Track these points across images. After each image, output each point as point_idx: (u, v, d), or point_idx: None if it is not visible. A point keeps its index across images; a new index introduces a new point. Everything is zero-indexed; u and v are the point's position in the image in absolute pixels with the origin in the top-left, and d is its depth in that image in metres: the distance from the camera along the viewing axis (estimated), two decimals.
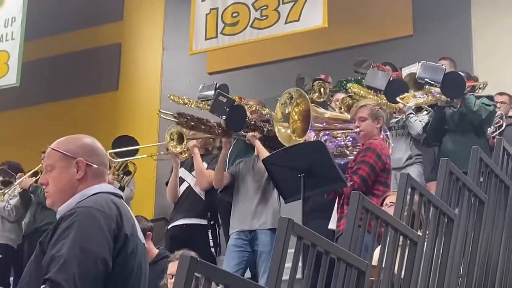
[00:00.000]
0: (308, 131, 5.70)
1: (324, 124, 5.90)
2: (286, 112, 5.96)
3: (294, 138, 5.81)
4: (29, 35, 9.79)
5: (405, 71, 7.63)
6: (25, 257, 7.77)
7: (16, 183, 8.34)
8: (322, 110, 6.31)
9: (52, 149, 2.95)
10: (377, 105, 5.71)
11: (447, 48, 8.93)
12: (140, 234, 2.95)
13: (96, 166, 2.93)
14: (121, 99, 11.44)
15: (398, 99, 6.62)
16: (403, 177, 3.89)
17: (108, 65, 11.57)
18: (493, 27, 9.19)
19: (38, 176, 8.05)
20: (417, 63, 7.69)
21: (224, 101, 6.23)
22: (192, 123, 6.32)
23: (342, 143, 5.87)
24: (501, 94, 7.78)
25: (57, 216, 2.85)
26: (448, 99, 6.76)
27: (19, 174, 8.36)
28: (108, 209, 2.78)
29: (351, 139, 5.86)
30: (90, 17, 11.65)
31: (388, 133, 6.04)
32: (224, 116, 6.26)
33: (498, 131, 7.14)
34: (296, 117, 5.91)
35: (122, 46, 11.66)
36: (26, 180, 8.17)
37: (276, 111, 6.03)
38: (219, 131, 6.35)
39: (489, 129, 6.95)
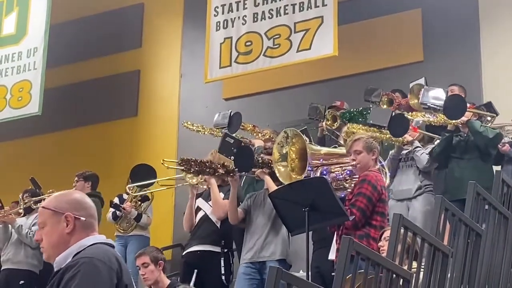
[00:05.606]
0: (307, 168, 5.83)
1: (321, 160, 5.99)
2: (284, 152, 6.06)
3: (294, 176, 5.93)
4: (49, 63, 10.01)
5: (412, 83, 7.78)
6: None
7: (43, 196, 8.48)
8: (318, 147, 6.42)
9: (43, 207, 3.17)
10: (371, 137, 5.86)
11: (457, 74, 9.03)
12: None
13: (84, 219, 3.12)
14: (140, 124, 11.62)
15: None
16: (395, 218, 4.03)
17: (128, 91, 11.78)
18: (503, 53, 9.28)
19: None
20: (423, 77, 7.87)
21: (231, 142, 6.33)
22: (197, 168, 6.36)
23: (340, 176, 5.96)
24: None
25: (54, 266, 3.07)
26: (453, 121, 6.87)
27: (49, 190, 8.54)
28: (108, 260, 3.00)
29: (348, 172, 5.96)
30: (109, 45, 11.89)
31: (384, 163, 6.16)
32: (232, 157, 6.32)
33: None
34: (293, 155, 6.02)
35: (141, 72, 11.87)
36: None
37: (273, 152, 6.11)
38: (223, 171, 6.39)
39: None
